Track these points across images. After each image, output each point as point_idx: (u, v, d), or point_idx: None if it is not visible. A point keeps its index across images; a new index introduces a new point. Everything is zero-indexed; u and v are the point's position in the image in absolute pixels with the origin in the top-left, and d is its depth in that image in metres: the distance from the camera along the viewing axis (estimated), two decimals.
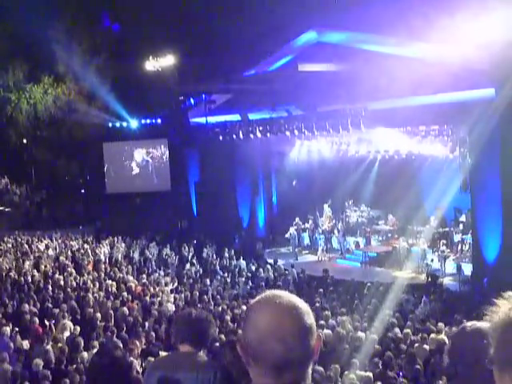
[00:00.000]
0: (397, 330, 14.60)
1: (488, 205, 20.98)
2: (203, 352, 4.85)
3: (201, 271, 24.78)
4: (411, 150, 27.95)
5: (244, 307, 17.36)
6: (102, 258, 25.43)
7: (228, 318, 15.90)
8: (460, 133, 23.57)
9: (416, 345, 13.16)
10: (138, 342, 12.87)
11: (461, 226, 25.94)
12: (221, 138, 29.38)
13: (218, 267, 25.37)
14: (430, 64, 20.38)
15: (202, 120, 30.40)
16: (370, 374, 11.01)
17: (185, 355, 4.73)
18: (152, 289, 19.87)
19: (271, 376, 2.07)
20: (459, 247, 25.21)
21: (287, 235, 30.19)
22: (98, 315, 15.53)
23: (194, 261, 26.35)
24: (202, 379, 4.53)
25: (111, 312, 15.98)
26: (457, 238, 25.53)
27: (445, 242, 24.66)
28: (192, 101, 32.79)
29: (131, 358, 11.01)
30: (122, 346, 11.96)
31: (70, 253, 26.00)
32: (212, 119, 30.16)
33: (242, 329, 2.18)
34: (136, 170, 36.42)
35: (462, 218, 26.13)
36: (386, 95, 21.88)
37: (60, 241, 29.20)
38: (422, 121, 24.18)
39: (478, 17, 17.74)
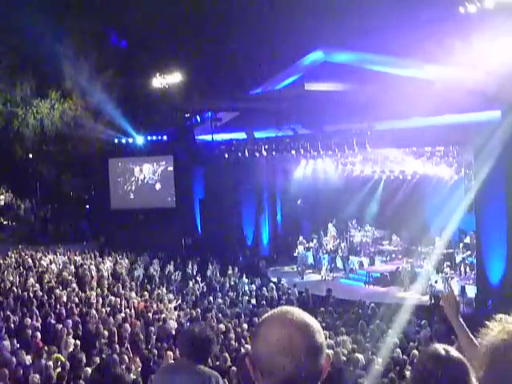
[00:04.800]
0: (398, 350, 14.49)
1: (493, 227, 20.91)
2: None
3: (204, 289, 24.72)
4: (416, 170, 27.94)
5: (245, 325, 17.30)
6: (105, 273, 25.37)
7: (232, 336, 15.79)
8: (465, 154, 23.58)
9: None
10: (139, 359, 12.83)
11: (465, 247, 25.83)
12: (226, 155, 29.41)
13: (221, 285, 25.31)
14: (437, 85, 20.42)
15: (208, 137, 30.45)
16: None
17: (185, 363, 5.28)
18: (155, 305, 19.81)
19: None
20: (463, 269, 25.11)
21: (295, 253, 30.01)
22: (101, 331, 15.48)
23: (198, 278, 26.28)
24: (197, 382, 5.10)
25: (113, 328, 15.94)
26: (460, 259, 25.42)
27: (449, 263, 24.54)
28: (198, 118, 32.89)
29: (131, 375, 10.99)
30: (122, 362, 11.92)
31: (73, 268, 25.95)
32: (218, 137, 30.21)
33: (252, 343, 2.18)
34: (141, 187, 36.43)
35: (467, 240, 26.02)
36: (392, 115, 21.92)
37: (64, 256, 29.15)
38: (427, 142, 24.18)
39: (487, 40, 17.78)
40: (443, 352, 2.83)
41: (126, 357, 12.92)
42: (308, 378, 2.08)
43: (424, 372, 2.79)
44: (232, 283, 25.73)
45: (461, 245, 25.96)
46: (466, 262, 25.03)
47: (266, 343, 2.09)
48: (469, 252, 25.09)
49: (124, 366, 11.72)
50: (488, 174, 19.99)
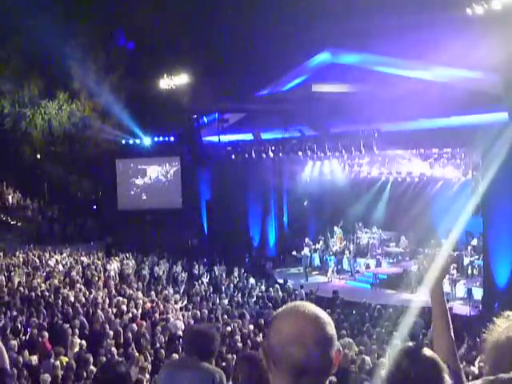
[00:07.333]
0: None
1: (500, 230, 20.86)
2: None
3: (211, 290, 24.72)
4: (424, 172, 27.88)
5: (251, 327, 17.29)
6: (112, 274, 25.40)
7: (238, 338, 15.77)
8: (473, 156, 23.51)
9: None
10: (145, 359, 12.83)
11: (472, 249, 25.75)
12: (233, 156, 29.45)
13: (227, 286, 25.30)
14: (444, 87, 20.40)
15: (215, 139, 30.49)
16: None
17: (190, 359, 5.41)
18: (161, 306, 19.81)
19: (290, 380, 2.13)
20: (470, 271, 25.05)
21: (301, 254, 29.97)
22: (107, 331, 15.49)
23: (204, 279, 26.29)
24: (202, 378, 5.25)
25: (120, 329, 15.95)
26: (467, 261, 25.35)
27: (455, 265, 24.46)
28: (205, 119, 32.93)
29: (140, 376, 11.00)
30: (129, 362, 11.92)
31: (80, 268, 25.98)
32: (225, 138, 30.24)
33: (266, 334, 2.25)
34: (148, 187, 36.50)
35: (474, 242, 25.96)
36: (399, 117, 21.90)
37: (71, 256, 29.19)
38: (434, 143, 24.16)
39: (494, 41, 17.75)
40: (416, 351, 2.84)
41: (132, 357, 12.94)
42: (318, 368, 2.14)
43: (397, 371, 2.81)
44: (238, 284, 25.74)
45: (469, 247, 25.87)
46: (474, 265, 24.98)
47: (279, 334, 2.16)
48: (477, 256, 24.98)
49: (130, 366, 11.73)
50: (495, 175, 19.93)
